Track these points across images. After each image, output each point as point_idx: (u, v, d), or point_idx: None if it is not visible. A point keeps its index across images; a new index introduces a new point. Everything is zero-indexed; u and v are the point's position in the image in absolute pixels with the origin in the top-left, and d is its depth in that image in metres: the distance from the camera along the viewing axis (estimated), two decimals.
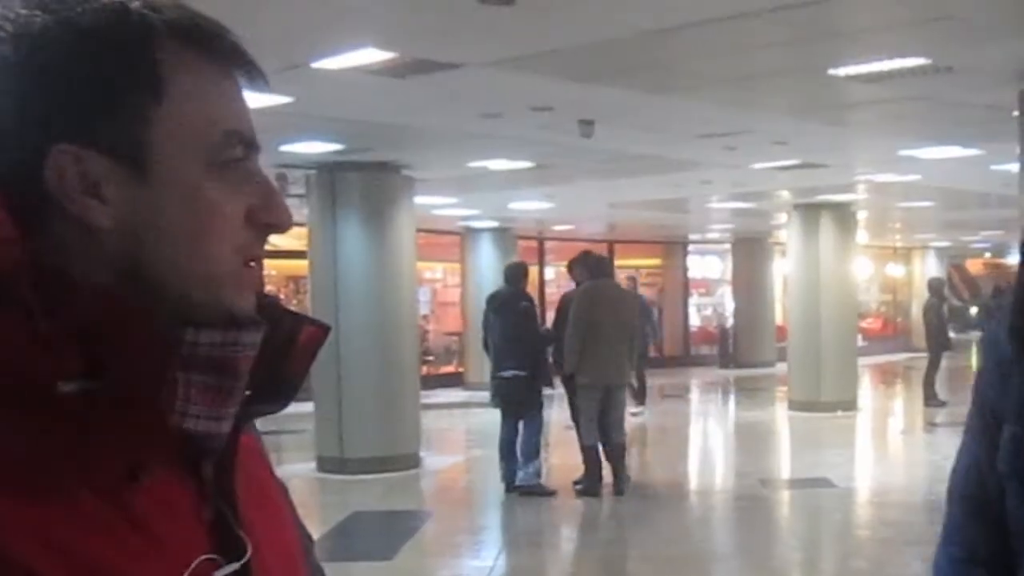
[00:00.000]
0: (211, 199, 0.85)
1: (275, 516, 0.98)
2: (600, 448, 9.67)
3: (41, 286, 0.79)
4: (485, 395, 10.92)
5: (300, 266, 12.75)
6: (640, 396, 15.47)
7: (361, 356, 10.81)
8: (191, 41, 0.85)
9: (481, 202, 16.03)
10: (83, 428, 0.79)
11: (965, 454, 1.52)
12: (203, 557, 0.83)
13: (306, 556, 1.05)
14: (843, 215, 16.08)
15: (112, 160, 0.83)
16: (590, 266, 9.91)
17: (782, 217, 17.86)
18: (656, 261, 26.45)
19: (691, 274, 27.18)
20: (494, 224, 19.40)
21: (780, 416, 16.17)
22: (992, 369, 1.48)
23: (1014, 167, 8.31)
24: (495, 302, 9.85)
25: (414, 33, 6.16)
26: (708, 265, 27.92)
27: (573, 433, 10.16)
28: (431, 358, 20.60)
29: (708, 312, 27.50)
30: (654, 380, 19.17)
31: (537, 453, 9.86)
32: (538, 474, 9.84)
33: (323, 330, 0.94)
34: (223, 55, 0.87)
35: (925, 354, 16.76)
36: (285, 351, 0.91)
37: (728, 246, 25.79)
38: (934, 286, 16.90)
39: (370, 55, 6.51)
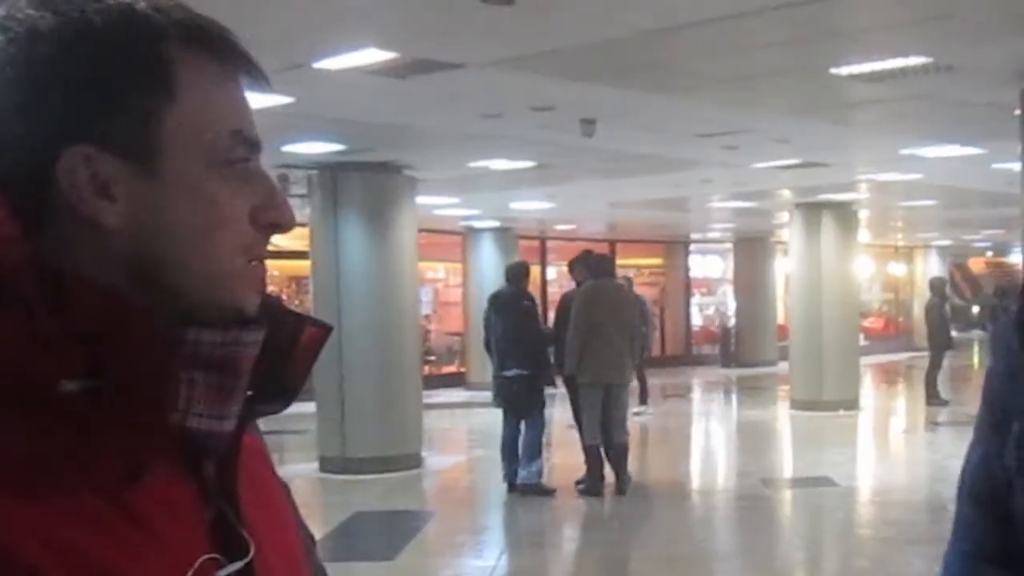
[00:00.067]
0: (218, 199, 0.86)
1: (277, 516, 0.98)
2: (602, 448, 9.67)
3: (43, 285, 0.79)
4: (487, 395, 10.93)
5: (302, 266, 12.76)
6: (642, 396, 15.47)
7: (363, 356, 10.82)
8: (196, 42, 0.86)
9: (482, 202, 16.04)
10: (84, 427, 0.79)
11: (974, 451, 1.52)
12: (205, 557, 0.83)
13: (308, 556, 1.05)
14: (845, 214, 16.08)
15: (122, 160, 0.83)
16: (591, 266, 9.91)
17: (784, 216, 17.87)
18: (657, 260, 26.45)
19: (693, 273, 27.18)
20: (495, 224, 19.40)
21: (782, 415, 16.17)
22: (1002, 366, 1.48)
23: (1015, 165, 8.31)
24: (497, 302, 9.85)
25: (415, 33, 6.16)
26: (710, 264, 27.92)
27: (575, 433, 10.17)
28: (433, 358, 20.60)
29: (710, 311, 27.50)
30: (656, 380, 19.19)
31: (539, 453, 9.86)
32: (539, 473, 9.85)
33: (325, 330, 0.95)
34: (226, 56, 0.88)
35: (927, 353, 16.75)
36: (287, 351, 0.92)
37: (730, 245, 25.79)
38: (936, 285, 16.90)
39: (371, 55, 6.51)
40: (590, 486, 9.67)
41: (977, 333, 30.39)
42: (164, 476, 0.83)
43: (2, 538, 0.74)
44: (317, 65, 6.69)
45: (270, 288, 0.93)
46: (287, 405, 0.95)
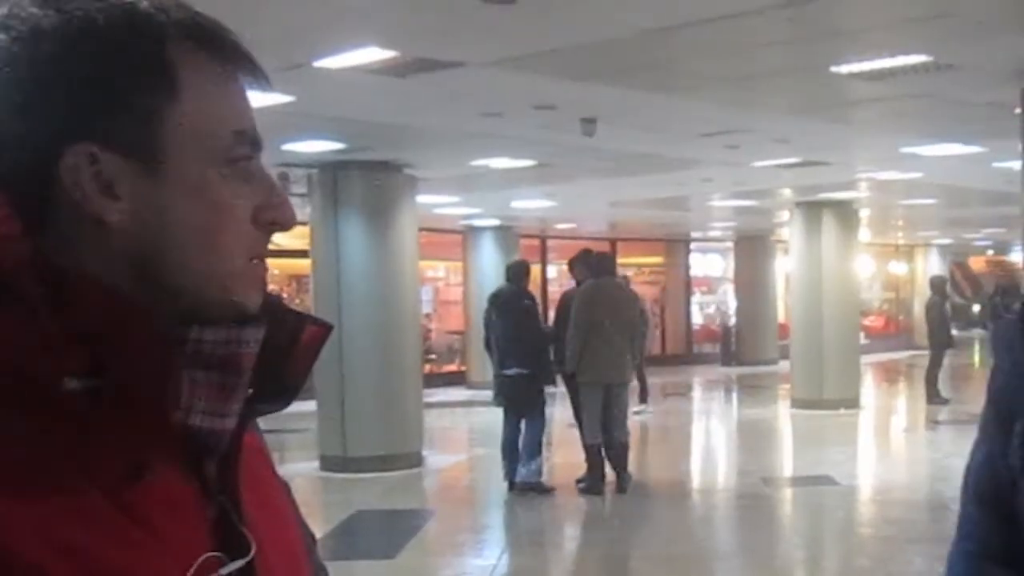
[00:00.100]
0: (221, 197, 0.86)
1: (277, 515, 0.98)
2: (602, 447, 9.67)
3: (45, 284, 0.80)
4: (488, 394, 10.92)
5: (303, 265, 12.76)
6: (642, 395, 15.47)
7: (363, 355, 10.82)
8: (198, 41, 0.86)
9: (483, 201, 16.04)
10: (86, 426, 0.80)
11: (979, 450, 1.52)
12: (207, 555, 0.84)
13: (309, 555, 1.05)
14: (845, 213, 16.07)
15: (126, 159, 0.83)
16: (591, 264, 9.91)
17: (784, 215, 17.87)
18: (658, 259, 26.45)
19: (693, 272, 27.18)
20: (496, 223, 19.40)
21: (782, 414, 16.17)
22: (1006, 365, 1.49)
23: (1016, 164, 8.31)
24: (497, 301, 9.85)
25: (415, 32, 6.16)
26: (710, 263, 27.92)
27: (576, 431, 10.17)
28: (433, 357, 20.61)
29: (710, 310, 27.50)
30: (656, 379, 19.18)
31: (539, 451, 9.86)
32: (539, 472, 9.84)
33: (326, 329, 0.95)
34: (228, 55, 0.88)
35: (927, 352, 16.75)
36: (288, 350, 0.92)
37: (730, 244, 25.80)
38: (936, 284, 16.90)
39: (371, 54, 6.51)
40: (591, 485, 9.67)
41: (978, 332, 30.40)
42: (166, 474, 0.83)
43: (5, 538, 0.74)
44: (317, 64, 6.69)
45: (270, 287, 0.93)
46: (288, 404, 0.95)
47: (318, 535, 1.15)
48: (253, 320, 0.88)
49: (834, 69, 7.17)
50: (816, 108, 8.69)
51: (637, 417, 13.86)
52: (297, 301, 16.82)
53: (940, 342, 16.17)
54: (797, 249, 16.42)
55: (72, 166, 0.81)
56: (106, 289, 0.81)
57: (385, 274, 11.16)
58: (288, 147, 9.76)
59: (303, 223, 11.15)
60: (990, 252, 35.66)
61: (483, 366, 13.93)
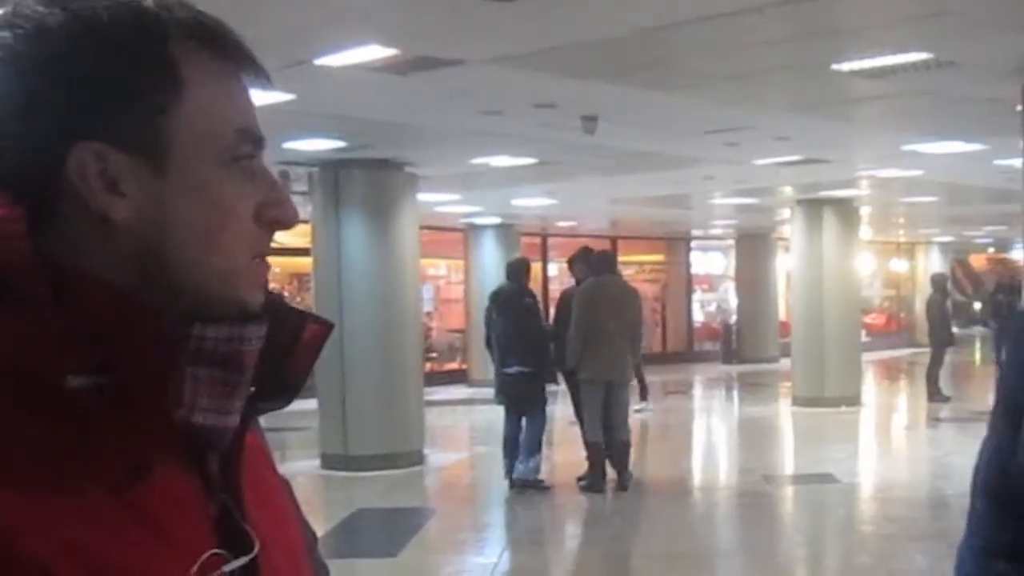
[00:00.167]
0: (224, 195, 0.86)
1: (278, 513, 0.98)
2: (604, 444, 9.67)
3: (49, 283, 0.80)
4: (489, 392, 10.93)
5: (304, 263, 12.76)
6: (642, 392, 15.47)
7: (365, 353, 10.82)
8: (201, 40, 0.86)
9: (484, 199, 16.05)
10: (90, 424, 0.80)
11: (988, 446, 1.52)
12: (210, 552, 0.84)
13: (310, 553, 1.05)
14: (846, 210, 16.07)
15: (131, 156, 0.83)
16: (591, 263, 9.90)
17: (785, 213, 17.86)
18: (659, 257, 26.46)
19: (694, 270, 27.19)
20: (497, 221, 19.41)
21: (784, 412, 16.18)
22: (1015, 361, 1.49)
23: (1017, 161, 8.31)
24: (498, 299, 9.84)
25: (416, 30, 6.16)
26: (711, 261, 27.93)
27: (577, 429, 10.17)
28: (435, 355, 20.62)
29: (711, 308, 27.51)
30: (657, 377, 19.19)
31: (538, 449, 9.85)
32: (537, 470, 9.83)
33: (327, 327, 0.95)
34: (230, 54, 0.88)
35: (928, 349, 16.75)
36: (289, 348, 0.92)
37: (731, 242, 25.80)
38: (937, 281, 16.90)
39: (372, 52, 6.51)
40: (592, 483, 9.68)
41: (979, 329, 30.39)
42: (169, 472, 0.84)
43: (9, 536, 0.74)
44: (318, 62, 6.69)
45: (271, 285, 0.93)
46: (289, 402, 0.95)
47: (319, 533, 1.16)
48: (255, 318, 0.88)
49: (835, 67, 7.17)
50: (817, 106, 8.68)
51: (638, 415, 13.87)
52: (298, 299, 16.82)
53: (941, 340, 16.17)
54: (798, 247, 16.42)
55: (78, 164, 0.82)
56: (109, 287, 0.82)
57: (386, 272, 11.16)
58: (289, 145, 9.76)
59: (304, 221, 11.16)
60: (991, 250, 35.67)
61: (484, 364, 13.94)
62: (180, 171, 0.85)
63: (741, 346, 24.36)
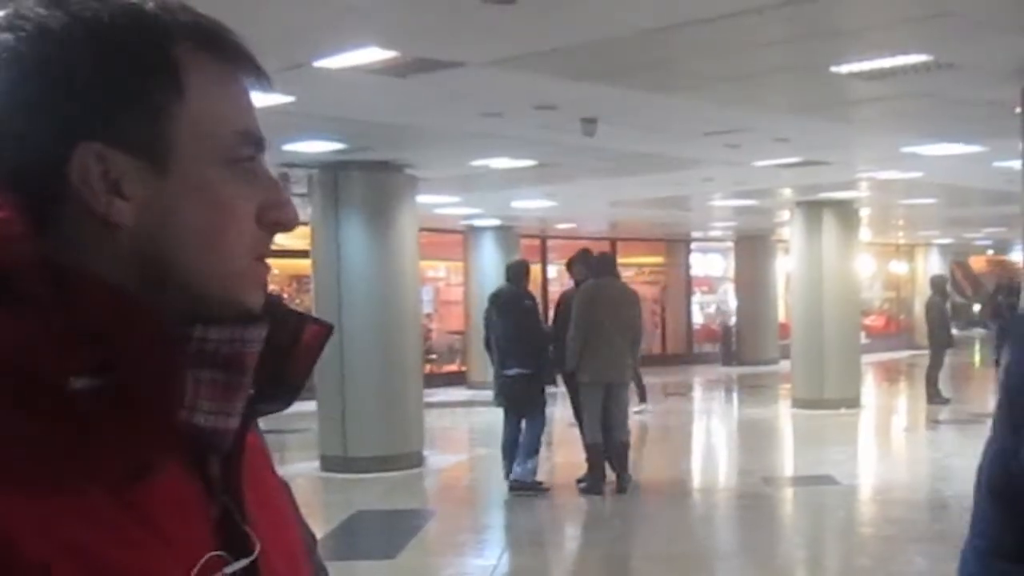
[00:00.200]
0: (226, 197, 0.87)
1: (278, 515, 0.98)
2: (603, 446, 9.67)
3: (51, 284, 0.80)
4: (488, 394, 10.92)
5: (303, 265, 12.76)
6: (641, 394, 15.47)
7: (364, 355, 10.82)
8: (202, 43, 0.87)
9: (483, 201, 16.05)
10: (92, 425, 0.80)
11: (992, 447, 1.52)
12: (211, 554, 0.84)
13: (309, 555, 1.05)
14: (846, 212, 16.08)
15: (133, 158, 0.83)
16: (590, 264, 9.90)
17: (784, 214, 17.87)
18: (659, 259, 26.46)
19: (694, 272, 27.19)
20: (496, 223, 19.41)
21: (783, 414, 16.18)
22: (1019, 363, 1.49)
23: (1016, 163, 8.31)
24: (498, 301, 9.84)
25: (416, 32, 6.17)
26: (711, 263, 27.93)
27: (576, 431, 10.17)
28: (434, 357, 20.61)
29: (711, 310, 27.50)
30: (657, 378, 19.21)
31: (536, 451, 9.84)
32: (534, 472, 9.82)
33: (327, 329, 0.95)
34: (231, 56, 0.89)
35: (928, 351, 16.75)
36: (289, 350, 0.92)
37: (731, 244, 25.80)
38: (937, 283, 16.90)
39: (372, 54, 6.52)
40: (591, 485, 9.67)
41: (978, 331, 30.39)
42: (170, 473, 0.84)
43: (10, 536, 0.74)
44: (318, 64, 6.69)
45: (271, 287, 0.93)
46: (289, 404, 0.95)
47: (319, 535, 1.16)
48: (256, 319, 0.88)
49: (834, 68, 7.18)
50: (816, 107, 8.69)
51: (637, 417, 13.86)
52: (297, 301, 16.82)
53: (940, 342, 16.17)
54: (798, 249, 16.42)
55: (80, 165, 0.82)
56: (111, 289, 0.82)
57: (386, 274, 11.16)
58: (289, 147, 9.76)
59: (303, 223, 11.15)
60: (990, 251, 35.67)
61: (484, 366, 13.93)
62: (182, 173, 0.85)
63: (741, 348, 24.36)
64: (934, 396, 16.07)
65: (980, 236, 28.67)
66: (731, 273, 26.38)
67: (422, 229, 12.47)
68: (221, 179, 0.86)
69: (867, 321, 24.75)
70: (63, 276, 0.81)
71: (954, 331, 17.20)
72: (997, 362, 22.91)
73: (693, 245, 26.78)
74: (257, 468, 0.96)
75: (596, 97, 7.95)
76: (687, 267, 26.81)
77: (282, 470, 1.06)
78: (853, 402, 15.74)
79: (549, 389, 10.05)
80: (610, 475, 9.73)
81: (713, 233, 25.26)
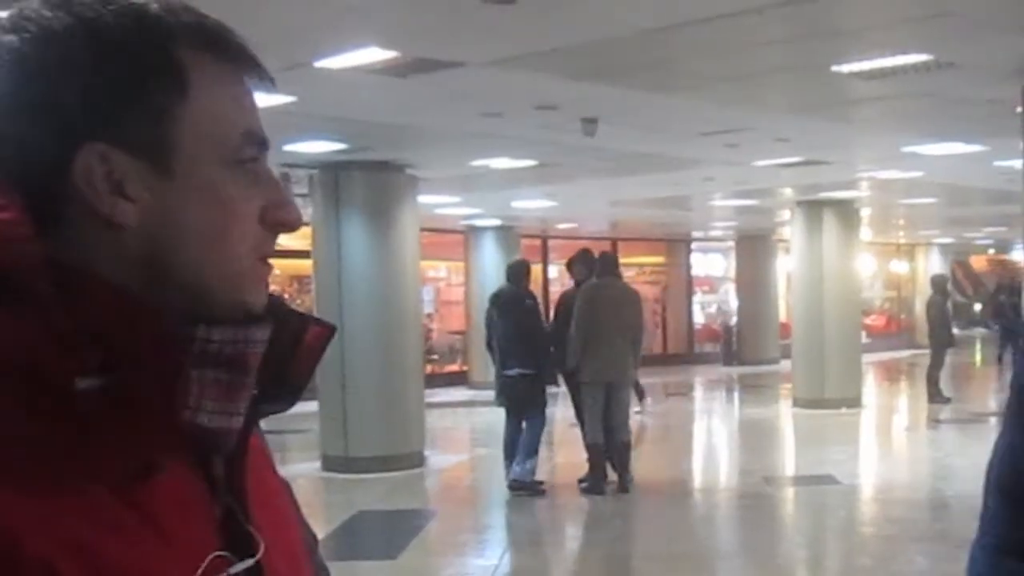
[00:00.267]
0: (229, 198, 0.87)
1: (279, 515, 0.98)
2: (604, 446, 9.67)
3: (57, 284, 0.80)
4: (489, 394, 10.92)
5: (304, 265, 12.77)
6: (639, 395, 15.46)
7: (365, 355, 10.83)
8: (206, 43, 0.87)
9: (484, 201, 16.05)
10: (97, 425, 0.80)
11: (1001, 444, 1.52)
12: (215, 554, 0.84)
13: (310, 555, 1.05)
14: (846, 212, 16.08)
15: (137, 159, 0.84)
16: (591, 264, 9.90)
17: (785, 214, 17.87)
18: (659, 259, 26.46)
19: (694, 272, 27.18)
20: (497, 223, 19.42)
21: (784, 413, 16.17)
22: None
23: (1017, 163, 8.32)
24: (498, 301, 9.84)
25: (416, 32, 6.17)
26: (711, 263, 27.92)
27: (577, 431, 10.17)
28: (435, 357, 20.61)
29: (712, 310, 27.50)
30: (657, 378, 19.22)
31: (535, 451, 9.84)
32: (533, 472, 9.82)
33: (329, 330, 0.95)
34: (234, 57, 0.89)
35: (929, 351, 16.74)
36: (291, 351, 0.92)
37: (731, 243, 25.80)
38: (937, 282, 16.89)
39: (372, 54, 6.52)
40: (592, 484, 9.67)
41: (979, 331, 30.39)
42: (174, 473, 0.84)
43: (15, 534, 0.75)
44: (318, 64, 6.69)
45: (272, 287, 0.93)
46: (292, 404, 0.95)
47: (320, 535, 1.16)
48: (259, 319, 0.89)
49: (834, 68, 7.18)
50: (817, 107, 8.69)
51: (636, 416, 13.85)
52: (298, 301, 16.82)
53: (941, 341, 16.17)
54: (798, 248, 16.42)
55: (84, 167, 0.82)
56: (115, 289, 0.82)
57: (386, 274, 11.16)
58: (289, 147, 9.76)
59: (305, 223, 11.13)
60: (991, 251, 35.67)
61: (484, 366, 13.94)
62: (185, 173, 0.85)
63: (741, 348, 24.36)
64: (935, 395, 16.07)
65: (981, 235, 28.67)
66: (732, 273, 26.38)
67: (423, 229, 12.47)
68: (224, 179, 0.87)
69: (868, 320, 24.74)
70: (67, 276, 0.81)
71: (955, 330, 17.19)
72: (1000, 360, 22.93)
73: (694, 245, 26.78)
74: (258, 468, 0.97)
75: (596, 97, 7.95)
76: (688, 267, 26.82)
77: (283, 470, 1.06)
78: (854, 402, 15.74)
79: (550, 389, 10.05)
80: (611, 475, 9.73)
81: (714, 233, 25.26)
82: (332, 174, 11.13)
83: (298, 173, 11.06)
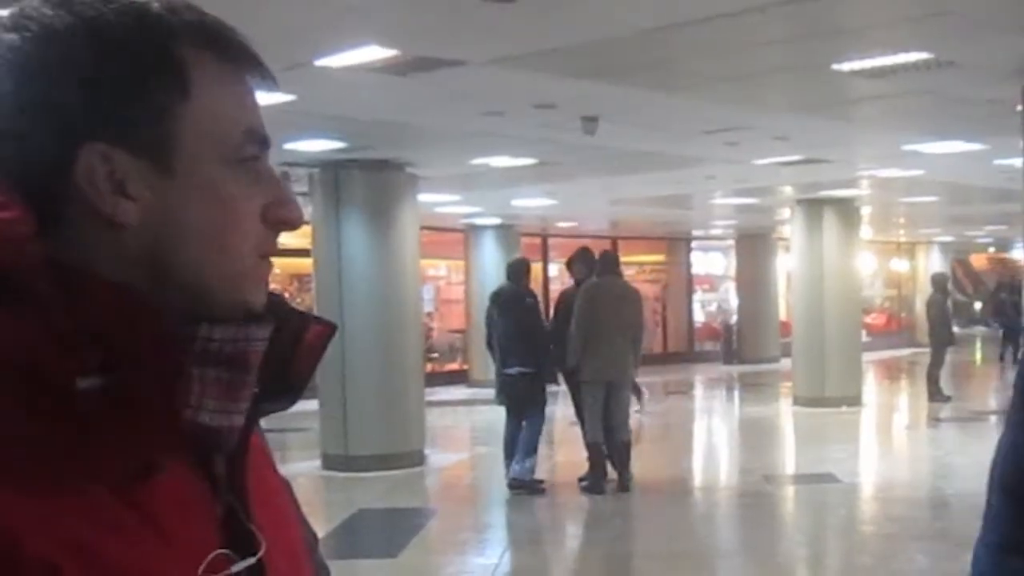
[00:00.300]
0: (232, 196, 0.87)
1: (279, 513, 0.98)
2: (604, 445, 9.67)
3: (58, 284, 0.80)
4: (489, 392, 10.92)
5: (304, 264, 12.77)
6: (636, 394, 15.44)
7: (365, 354, 10.83)
8: (208, 42, 0.87)
9: (484, 199, 16.06)
10: (97, 424, 0.80)
11: (1005, 442, 1.52)
12: (216, 552, 0.84)
13: (310, 554, 1.05)
14: (846, 210, 16.08)
15: (138, 158, 0.84)
16: (591, 263, 9.90)
17: (785, 213, 17.87)
18: (660, 257, 26.47)
19: (695, 270, 27.19)
20: (497, 221, 19.42)
21: (784, 412, 16.18)
22: None
23: (1017, 161, 8.32)
24: (499, 299, 9.84)
25: (416, 31, 6.17)
26: (712, 261, 27.93)
27: (578, 430, 10.17)
28: (435, 355, 20.62)
29: (712, 308, 27.51)
30: (658, 377, 19.22)
31: (534, 450, 9.83)
32: (532, 470, 9.82)
33: (330, 329, 0.95)
34: (236, 56, 0.89)
35: (929, 349, 16.75)
36: (292, 350, 0.92)
37: (731, 242, 25.80)
38: (938, 281, 16.89)
39: (372, 53, 6.52)
40: (593, 483, 9.68)
41: (980, 329, 30.39)
42: (175, 472, 0.84)
43: (16, 535, 0.75)
44: (319, 63, 6.69)
45: (272, 286, 0.93)
46: (293, 403, 0.95)
47: (320, 534, 1.16)
48: (260, 318, 0.89)
49: (835, 67, 7.17)
50: (817, 105, 8.69)
51: (636, 416, 13.86)
52: (299, 300, 16.82)
53: (941, 340, 16.17)
54: (798, 247, 16.42)
55: (86, 166, 0.82)
56: (116, 288, 0.82)
57: (387, 273, 11.16)
58: (289, 146, 9.76)
59: (305, 222, 11.13)
60: (991, 249, 35.67)
61: (485, 364, 13.94)
62: (187, 172, 0.85)
63: (742, 346, 24.37)
64: (935, 394, 16.07)
65: (981, 234, 28.67)
66: (732, 271, 26.39)
67: (423, 228, 12.48)
68: (226, 178, 0.86)
69: (868, 319, 24.74)
70: (67, 276, 0.81)
71: (955, 329, 17.19)
72: (1002, 359, 22.95)
73: (694, 243, 26.79)
74: (259, 467, 0.96)
75: (596, 96, 7.95)
76: (688, 265, 26.82)
77: (283, 469, 1.06)
78: (854, 400, 15.74)
79: (550, 388, 10.05)
80: (611, 474, 9.73)
81: (714, 231, 25.26)
82: (332, 173, 11.13)
83: (298, 172, 11.06)
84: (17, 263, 0.80)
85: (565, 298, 10.26)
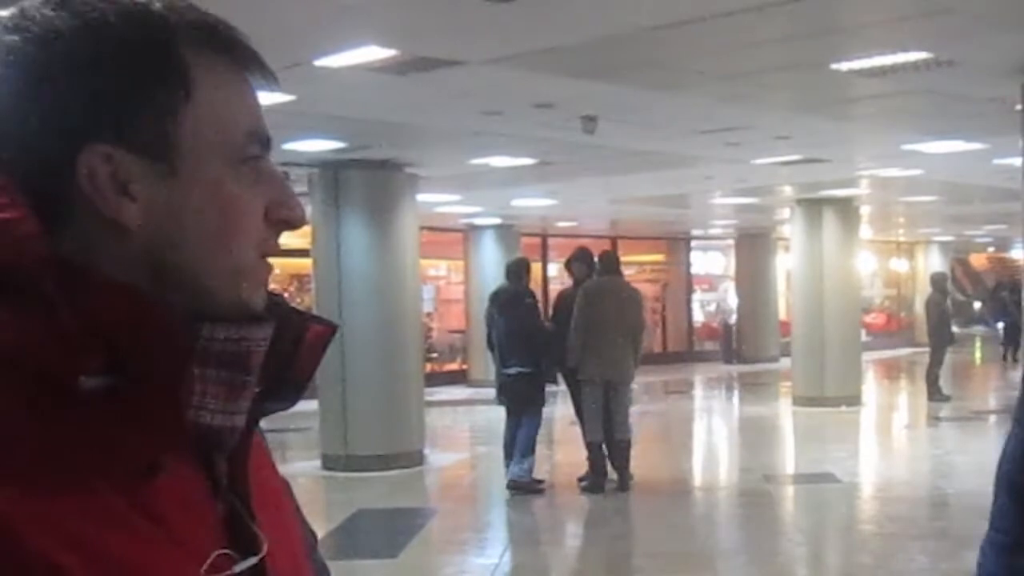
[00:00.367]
0: (235, 196, 0.87)
1: (279, 513, 0.98)
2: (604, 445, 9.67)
3: (63, 283, 0.80)
4: (489, 392, 10.93)
5: (304, 264, 12.77)
6: None
7: (365, 354, 10.83)
8: (209, 42, 0.87)
9: (484, 199, 16.06)
10: (100, 424, 0.80)
11: (1012, 441, 1.52)
12: (219, 552, 0.84)
13: (310, 554, 1.06)
14: (846, 210, 16.08)
15: (141, 158, 0.83)
16: (590, 263, 9.90)
17: (785, 212, 17.88)
18: (659, 257, 26.48)
19: (694, 270, 27.20)
20: (497, 221, 19.42)
21: (784, 411, 16.18)
22: None
23: (1017, 161, 8.31)
24: (498, 299, 9.84)
25: (415, 31, 6.17)
26: (711, 261, 27.94)
27: (577, 429, 10.17)
28: (435, 355, 20.62)
29: (711, 308, 27.51)
30: (657, 376, 19.23)
31: (532, 450, 9.83)
32: (530, 471, 9.82)
33: (331, 329, 0.95)
34: (238, 55, 0.89)
35: (929, 349, 16.75)
36: (293, 350, 0.92)
37: (731, 241, 25.81)
38: (937, 281, 16.90)
39: (372, 53, 6.52)
40: (592, 483, 9.68)
41: (979, 328, 30.40)
42: (177, 472, 0.84)
43: (20, 534, 0.75)
44: (318, 63, 6.69)
45: (272, 286, 0.94)
46: (294, 403, 0.95)
47: (320, 534, 1.16)
48: (262, 319, 0.89)
49: (834, 66, 7.18)
50: (816, 105, 8.69)
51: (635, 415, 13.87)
52: (298, 300, 16.82)
53: (941, 339, 16.17)
54: (798, 246, 16.43)
55: (88, 167, 0.82)
56: (121, 288, 0.82)
57: (386, 273, 11.16)
58: (289, 146, 9.76)
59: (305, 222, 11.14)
60: (991, 249, 35.68)
61: (484, 364, 13.95)
62: (190, 172, 0.85)
63: (741, 346, 24.37)
64: (935, 393, 16.08)
65: (981, 233, 28.68)
66: (732, 271, 26.39)
67: (422, 228, 12.49)
68: (228, 178, 0.86)
69: (868, 319, 24.76)
70: (72, 275, 0.81)
71: (955, 328, 17.20)
72: (1004, 358, 22.96)
73: (694, 243, 26.79)
74: (259, 467, 0.97)
75: (596, 95, 7.95)
76: (688, 265, 26.83)
77: (283, 469, 1.06)
78: (854, 400, 15.75)
79: (550, 387, 10.05)
80: (611, 473, 9.74)
81: (713, 231, 25.27)
82: (332, 173, 11.13)
83: (298, 172, 11.06)
84: (22, 263, 0.80)
85: (564, 298, 10.26)
